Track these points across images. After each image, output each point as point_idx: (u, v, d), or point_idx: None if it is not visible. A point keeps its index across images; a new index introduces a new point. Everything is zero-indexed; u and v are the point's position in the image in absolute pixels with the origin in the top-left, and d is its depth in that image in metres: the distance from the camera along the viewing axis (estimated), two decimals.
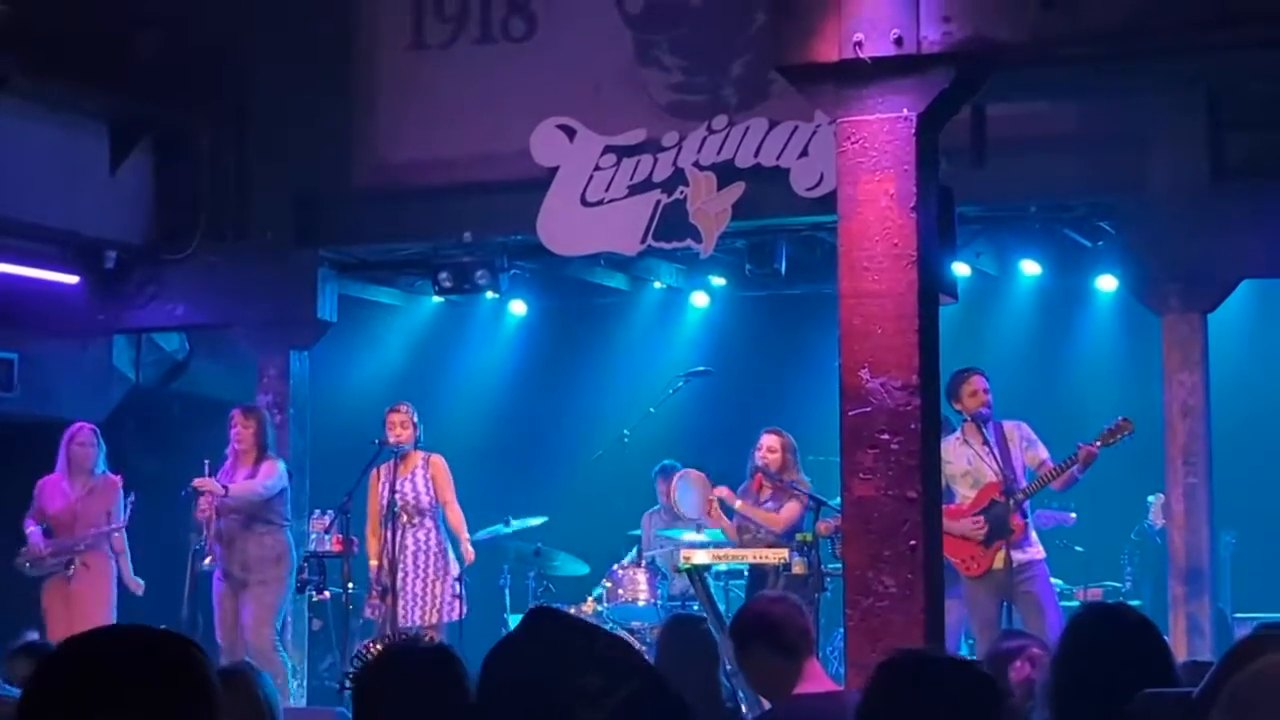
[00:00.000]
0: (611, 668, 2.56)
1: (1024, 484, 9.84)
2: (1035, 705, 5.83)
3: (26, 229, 11.36)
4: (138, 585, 11.04)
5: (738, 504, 10.68)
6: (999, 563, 9.70)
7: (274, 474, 10.85)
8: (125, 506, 11.01)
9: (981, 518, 9.79)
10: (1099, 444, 9.64)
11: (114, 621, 10.64)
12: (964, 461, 9.88)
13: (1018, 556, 9.74)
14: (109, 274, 11.99)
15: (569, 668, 2.55)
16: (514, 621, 11.60)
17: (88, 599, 10.78)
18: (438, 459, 10.95)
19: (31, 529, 11.03)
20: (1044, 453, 9.95)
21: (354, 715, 3.67)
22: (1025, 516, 9.88)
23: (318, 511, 10.87)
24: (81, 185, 11.55)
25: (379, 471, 10.77)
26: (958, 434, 9.88)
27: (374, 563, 10.73)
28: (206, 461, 10.84)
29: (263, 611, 10.80)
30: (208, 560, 10.81)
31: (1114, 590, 11.71)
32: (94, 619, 10.29)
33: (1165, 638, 4.36)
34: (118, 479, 11.04)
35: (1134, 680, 3.88)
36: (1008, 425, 10.02)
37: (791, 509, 10.51)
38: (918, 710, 3.28)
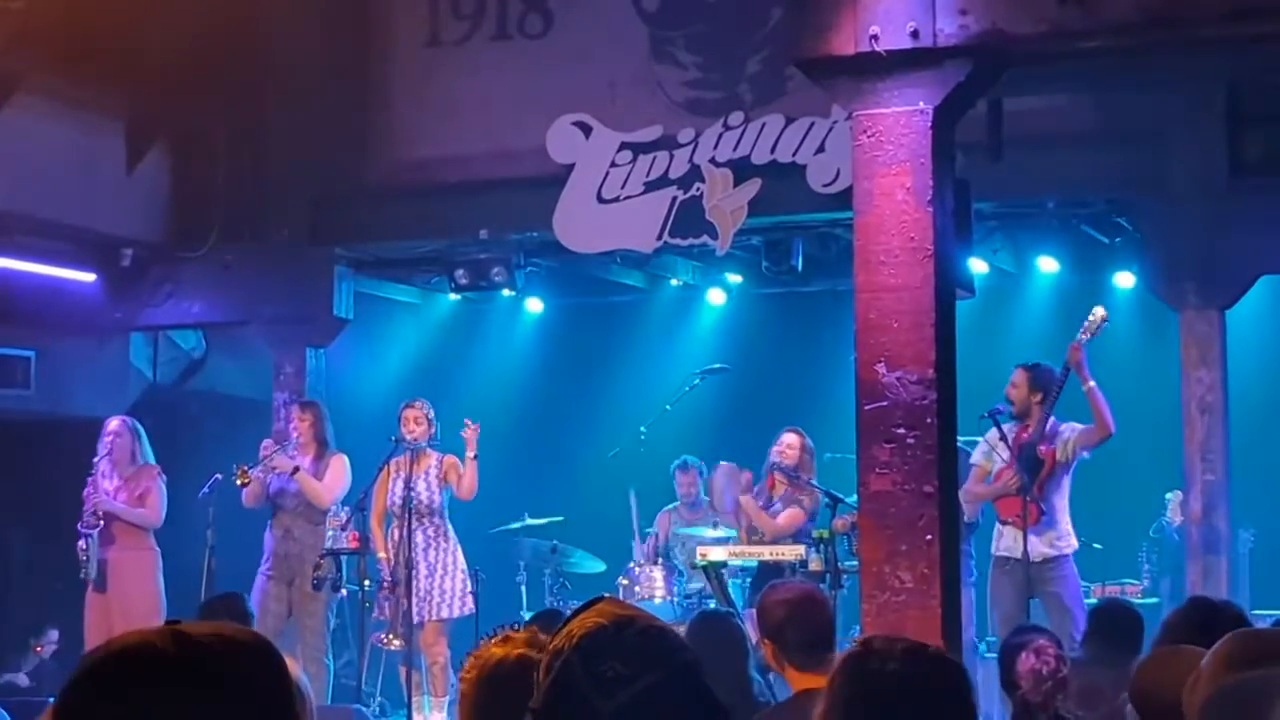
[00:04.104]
0: (636, 656, 2.53)
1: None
2: (1050, 691, 5.86)
3: (44, 227, 11.39)
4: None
5: (743, 498, 10.74)
6: (1017, 552, 9.67)
7: (340, 477, 10.92)
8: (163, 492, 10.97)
9: (1012, 470, 9.85)
10: (1080, 338, 9.62)
11: (161, 616, 10.52)
12: (997, 456, 10.00)
13: (1045, 551, 9.79)
14: (126, 272, 12.02)
15: (591, 654, 2.53)
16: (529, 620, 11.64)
17: (129, 595, 10.65)
18: (451, 458, 10.97)
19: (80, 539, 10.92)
20: (1065, 433, 9.93)
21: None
22: (1050, 444, 9.87)
23: (334, 508, 10.86)
24: (98, 183, 11.56)
25: (392, 466, 10.78)
26: (999, 429, 9.94)
27: (382, 554, 10.73)
28: (218, 476, 10.83)
29: (317, 608, 10.82)
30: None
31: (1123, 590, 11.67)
32: (136, 616, 10.13)
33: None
34: (155, 468, 10.97)
35: None
36: (1064, 427, 10.01)
37: (793, 515, 10.59)
38: (884, 700, 3.24)
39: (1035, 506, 9.79)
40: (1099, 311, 9.63)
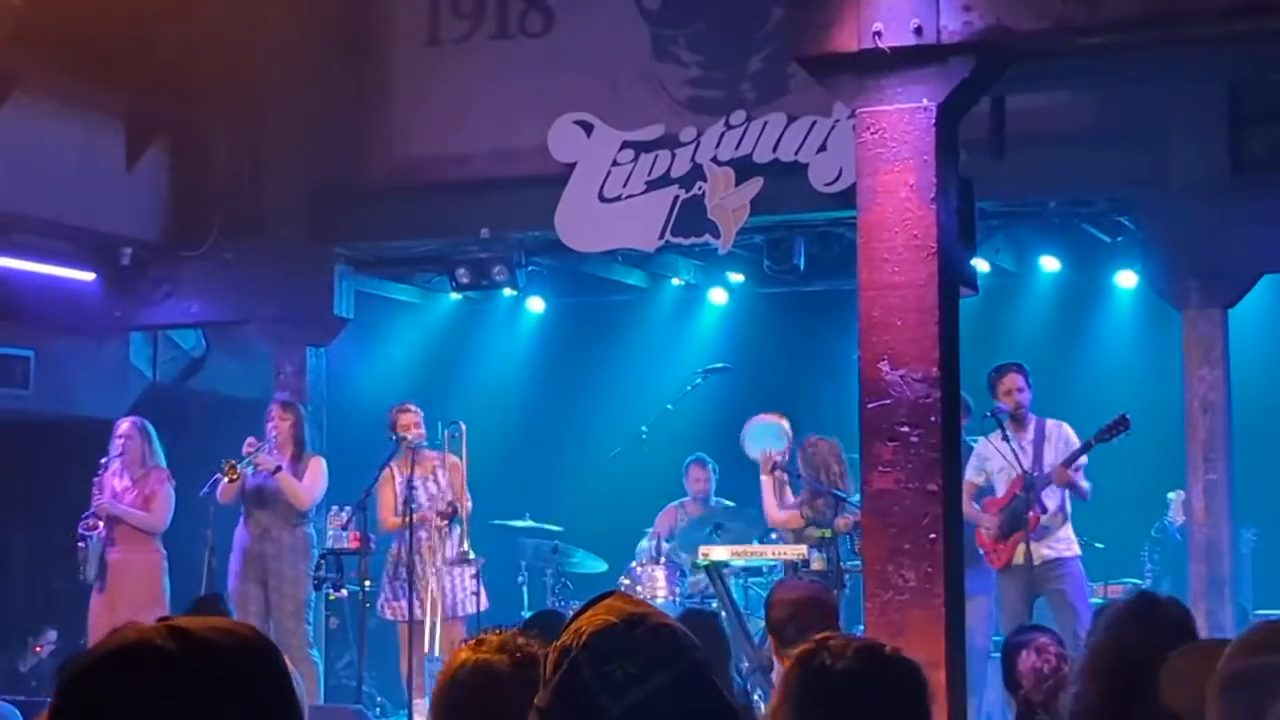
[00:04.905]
0: (645, 656, 2.48)
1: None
2: (1052, 689, 5.86)
3: (43, 226, 11.36)
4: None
5: (775, 474, 10.71)
6: (1019, 557, 9.70)
7: (319, 480, 10.92)
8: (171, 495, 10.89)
9: (998, 516, 9.88)
10: (1094, 440, 9.65)
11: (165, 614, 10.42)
12: (1000, 458, 9.95)
13: (1045, 553, 9.80)
14: (125, 271, 11.98)
15: (600, 653, 2.48)
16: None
17: (135, 597, 10.57)
18: (454, 459, 10.97)
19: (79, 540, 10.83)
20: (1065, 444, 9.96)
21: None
22: (1043, 511, 9.89)
23: (335, 508, 10.82)
24: (97, 182, 11.53)
25: (394, 467, 10.77)
26: (1001, 430, 9.89)
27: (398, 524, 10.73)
28: (219, 475, 10.77)
29: (297, 608, 10.79)
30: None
31: (1135, 587, 11.65)
32: (141, 619, 10.04)
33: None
34: (165, 471, 10.91)
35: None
36: (1050, 424, 10.05)
37: (789, 516, 10.56)
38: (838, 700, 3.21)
39: (1036, 515, 9.80)
40: (1127, 421, 9.61)
